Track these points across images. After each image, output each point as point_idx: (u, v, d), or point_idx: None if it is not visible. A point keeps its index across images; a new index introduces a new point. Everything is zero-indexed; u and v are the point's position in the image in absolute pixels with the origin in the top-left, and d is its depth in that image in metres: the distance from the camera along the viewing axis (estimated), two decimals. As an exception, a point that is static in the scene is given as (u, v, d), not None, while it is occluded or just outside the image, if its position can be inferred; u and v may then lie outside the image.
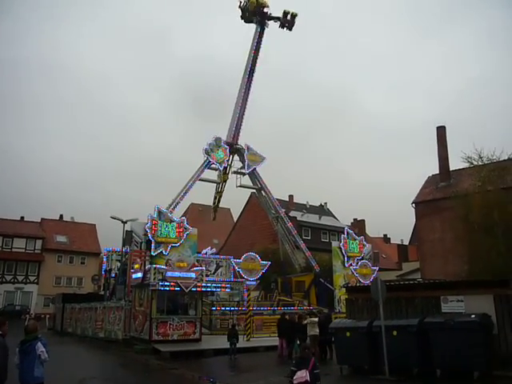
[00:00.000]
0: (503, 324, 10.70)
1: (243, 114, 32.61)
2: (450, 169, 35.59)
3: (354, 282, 26.85)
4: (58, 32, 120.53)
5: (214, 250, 39.53)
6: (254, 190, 35.42)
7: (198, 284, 18.80)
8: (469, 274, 23.09)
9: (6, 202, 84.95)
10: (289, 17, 33.04)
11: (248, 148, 31.97)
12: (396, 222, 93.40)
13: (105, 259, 29.64)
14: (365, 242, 30.29)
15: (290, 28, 33.42)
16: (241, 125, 32.56)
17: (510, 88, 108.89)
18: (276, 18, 33.36)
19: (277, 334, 16.72)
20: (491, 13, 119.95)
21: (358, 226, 53.41)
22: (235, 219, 58.63)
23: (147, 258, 21.72)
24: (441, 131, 36.45)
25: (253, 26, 33.46)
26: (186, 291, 18.42)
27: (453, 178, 34.64)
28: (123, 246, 25.57)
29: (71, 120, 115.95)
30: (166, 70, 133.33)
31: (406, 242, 57.22)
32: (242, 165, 32.21)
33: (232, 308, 23.77)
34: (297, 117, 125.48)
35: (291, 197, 53.04)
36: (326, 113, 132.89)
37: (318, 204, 57.42)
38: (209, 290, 20.85)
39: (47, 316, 37.45)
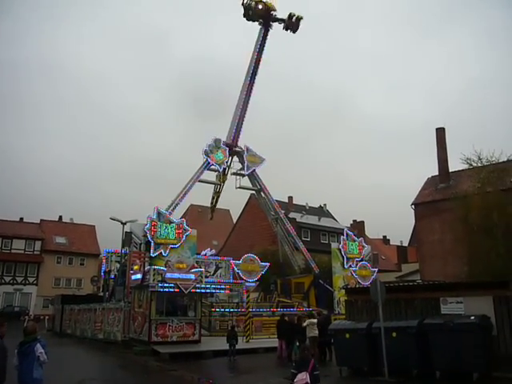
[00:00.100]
0: (502, 325, 10.69)
1: (244, 116, 32.54)
2: (450, 170, 35.62)
3: (353, 284, 26.88)
4: (58, 32, 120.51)
5: (214, 251, 39.58)
6: (254, 192, 35.43)
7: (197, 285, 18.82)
8: (468, 275, 23.07)
9: (5, 203, 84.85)
10: (294, 19, 32.98)
11: (247, 149, 31.89)
12: (395, 223, 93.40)
13: (105, 254, 29.51)
14: (364, 244, 30.34)
15: (294, 31, 33.36)
16: (241, 127, 32.51)
17: (510, 88, 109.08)
18: (281, 20, 33.30)
19: (276, 336, 16.73)
20: (491, 13, 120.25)
21: (358, 227, 53.51)
22: (234, 220, 58.61)
23: (146, 259, 21.76)
24: (440, 133, 36.48)
25: (255, 25, 33.34)
26: (186, 292, 18.43)
27: (452, 180, 34.67)
28: (122, 247, 25.56)
29: (71, 120, 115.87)
30: (165, 70, 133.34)
31: (406, 244, 57.17)
32: (241, 166, 32.20)
33: (231, 309, 23.76)
34: (297, 120, 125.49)
35: (291, 198, 53.09)
36: (326, 116, 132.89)
37: (317, 205, 57.43)
38: (208, 291, 20.84)
39: (46, 317, 37.27)
